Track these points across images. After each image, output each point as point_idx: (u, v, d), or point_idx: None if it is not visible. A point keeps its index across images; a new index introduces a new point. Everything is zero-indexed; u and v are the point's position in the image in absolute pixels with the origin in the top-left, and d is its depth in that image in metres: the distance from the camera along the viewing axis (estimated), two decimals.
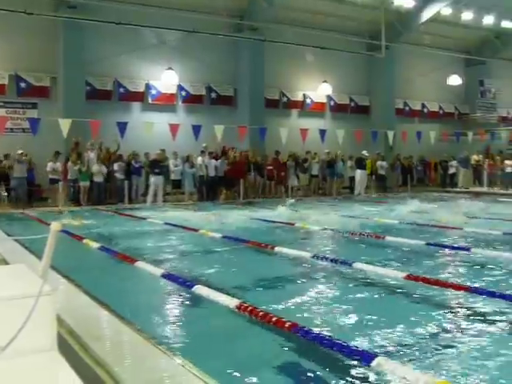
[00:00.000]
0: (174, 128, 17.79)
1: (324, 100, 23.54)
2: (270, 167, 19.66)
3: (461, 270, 7.01)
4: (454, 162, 24.66)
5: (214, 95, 21.24)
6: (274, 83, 21.97)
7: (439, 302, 5.40)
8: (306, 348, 4.06)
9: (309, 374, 3.63)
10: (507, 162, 23.75)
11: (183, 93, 20.59)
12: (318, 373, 3.64)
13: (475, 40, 27.45)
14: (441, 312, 5.05)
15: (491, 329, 4.55)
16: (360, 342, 4.14)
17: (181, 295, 5.65)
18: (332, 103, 23.78)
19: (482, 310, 5.09)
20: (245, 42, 21.04)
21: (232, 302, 4.95)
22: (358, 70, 24.56)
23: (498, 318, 4.84)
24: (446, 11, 23.54)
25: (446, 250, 8.29)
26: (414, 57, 25.44)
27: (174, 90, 20.40)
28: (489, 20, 24.72)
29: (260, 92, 21.43)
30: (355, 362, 3.64)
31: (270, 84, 21.77)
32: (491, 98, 27.85)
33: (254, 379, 3.54)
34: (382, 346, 4.10)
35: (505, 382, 3.50)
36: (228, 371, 3.59)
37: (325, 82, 22.71)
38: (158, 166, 17.25)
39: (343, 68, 23.69)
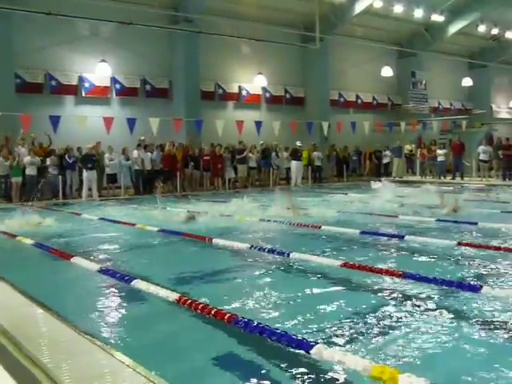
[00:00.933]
0: (108, 121, 17.73)
1: (259, 92, 23.85)
2: (207, 159, 19.75)
3: (395, 256, 7.30)
4: (388, 152, 25.49)
5: (148, 88, 21.21)
6: (209, 75, 22.11)
7: (375, 288, 5.60)
8: (246, 339, 4.12)
9: (250, 365, 3.74)
10: (439, 151, 24.71)
11: (117, 86, 20.47)
12: (259, 363, 3.76)
13: (406, 33, 28.37)
14: (376, 298, 5.25)
15: (424, 312, 4.77)
16: (299, 331, 4.23)
17: (119, 290, 5.66)
18: (267, 95, 24.12)
19: (416, 294, 5.32)
20: (180, 34, 21.09)
21: (172, 296, 4.95)
22: (293, 62, 25.00)
23: (429, 301, 5.08)
24: (378, 4, 24.21)
25: (382, 237, 8.55)
26: (347, 48, 26.10)
27: (107, 83, 20.24)
28: (419, 13, 25.55)
29: (195, 84, 21.53)
30: (295, 351, 3.70)
31: (206, 76, 21.90)
32: (422, 89, 28.84)
33: (196, 372, 3.64)
34: (321, 334, 4.24)
35: (439, 361, 3.77)
36: (169, 365, 3.64)
37: (260, 73, 23.02)
38: (90, 160, 17.02)
39: (278, 60, 24.07)
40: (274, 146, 21.69)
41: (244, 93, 23.47)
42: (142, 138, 18.58)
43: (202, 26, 21.15)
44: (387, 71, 26.98)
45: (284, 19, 23.65)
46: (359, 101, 27.23)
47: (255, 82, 23.35)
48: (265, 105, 24.17)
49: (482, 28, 28.43)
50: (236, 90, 23.32)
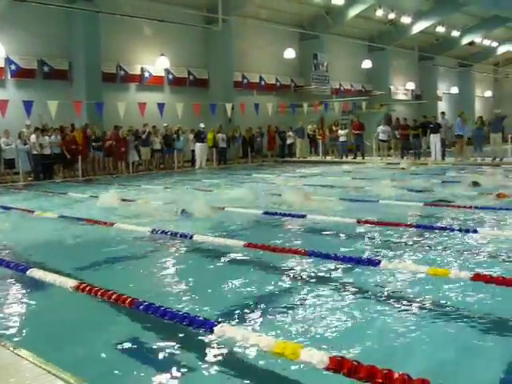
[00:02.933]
0: (2, 104, 17.28)
1: (162, 73, 23.85)
2: (110, 142, 19.61)
3: (299, 235, 7.70)
4: (291, 133, 26.27)
5: (46, 69, 20.71)
6: (110, 56, 21.87)
7: (279, 267, 5.85)
8: (148, 322, 4.21)
9: (153, 348, 3.84)
10: (340, 131, 25.72)
11: (12, 66, 19.84)
12: (162, 345, 3.86)
13: (308, 15, 29.17)
14: (281, 276, 5.49)
15: (327, 288, 5.06)
16: (204, 312, 4.36)
17: (15, 280, 5.57)
18: (170, 77, 24.17)
19: (319, 271, 5.62)
20: (79, 14, 20.68)
21: (70, 283, 4.78)
22: (196, 43, 25.16)
23: (332, 277, 5.42)
24: None
25: (285, 217, 8.86)
26: (251, 30, 26.54)
27: (1, 64, 19.57)
28: None
29: (96, 66, 21.25)
30: (198, 331, 3.76)
31: (107, 57, 21.65)
32: (324, 71, 29.75)
33: (102, 361, 3.68)
34: (226, 314, 4.40)
35: (341, 335, 4.02)
36: (74, 355, 3.68)
37: (163, 55, 23.02)
38: None
39: (181, 41, 24.14)
40: (178, 129, 21.85)
41: (146, 74, 23.41)
42: (28, 122, 18.09)
43: (102, 6, 20.87)
44: (290, 53, 27.65)
45: (187, 0, 23.67)
46: (262, 82, 27.78)
47: (158, 64, 23.33)
48: (168, 87, 24.22)
49: (379, 12, 29.70)
50: (138, 72, 23.20)
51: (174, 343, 3.89)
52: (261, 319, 4.35)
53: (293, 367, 3.30)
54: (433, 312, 4.47)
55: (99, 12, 20.84)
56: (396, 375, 2.76)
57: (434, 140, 22.56)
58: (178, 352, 3.79)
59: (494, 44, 39.86)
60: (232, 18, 24.88)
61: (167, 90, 24.23)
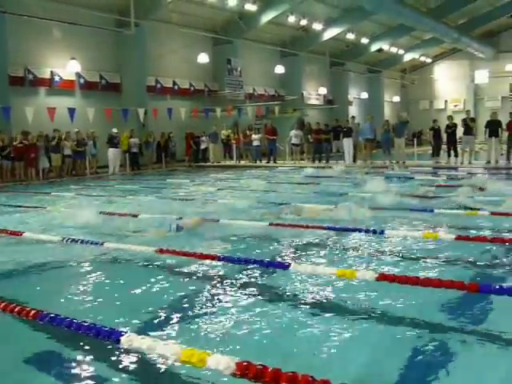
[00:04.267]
0: None
1: (73, 77, 23.48)
2: (19, 148, 19.13)
3: (212, 240, 7.71)
4: (205, 138, 26.54)
5: None
6: (18, 59, 21.31)
7: (191, 272, 6.03)
8: (54, 334, 4.19)
9: (60, 359, 3.86)
10: (254, 136, 26.24)
11: None
12: (68, 357, 3.88)
13: (221, 20, 29.53)
14: (192, 282, 5.67)
15: (239, 292, 5.23)
16: (111, 321, 4.33)
17: None
18: (82, 81, 23.84)
19: (230, 275, 5.81)
20: None
21: None
22: (108, 47, 24.96)
23: (243, 281, 5.58)
24: None
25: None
26: (164, 35, 26.59)
27: None
28: (233, 2, 26.64)
29: (3, 69, 20.64)
30: (104, 342, 3.75)
31: (14, 60, 21.08)
32: (238, 76, 30.20)
33: (7, 377, 3.65)
34: (135, 322, 4.47)
35: (250, 338, 4.13)
36: None
37: (73, 58, 22.68)
38: None
39: (93, 45, 23.88)
40: (89, 134, 21.64)
41: (57, 78, 22.97)
42: None
43: (8, 6, 20.36)
44: (203, 58, 27.91)
45: (98, 3, 23.51)
46: (176, 87, 27.86)
47: (68, 67, 22.95)
48: (79, 91, 23.88)
49: (291, 19, 30.46)
50: (48, 76, 22.72)
51: (81, 355, 3.89)
52: (172, 327, 4.43)
53: (211, 374, 3.35)
54: (342, 312, 4.76)
55: (5, 12, 20.31)
56: (300, 377, 3.07)
57: (347, 144, 23.48)
58: (85, 364, 3.77)
59: (401, 51, 41.73)
60: (144, 22, 24.87)
61: (78, 95, 23.89)
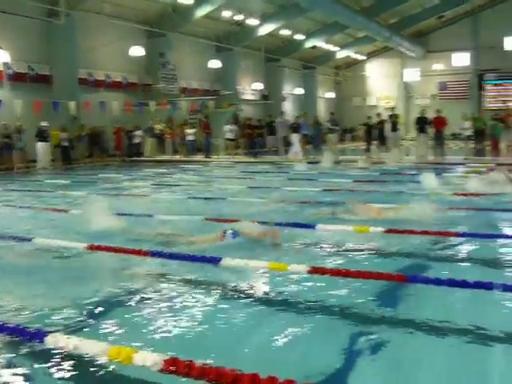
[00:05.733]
0: None
1: (1, 68, 22.63)
2: None
3: (146, 235, 7.70)
4: (139, 132, 26.21)
5: None
6: None
7: (121, 268, 5.92)
8: None
9: None
10: (188, 130, 26.12)
11: None
12: None
13: (155, 13, 29.18)
14: (123, 278, 5.52)
15: (171, 288, 5.20)
16: (35, 321, 4.24)
17: None
18: (10, 72, 23.02)
19: (162, 271, 5.79)
20: None
21: None
22: (37, 37, 24.22)
23: (176, 277, 5.57)
24: None
25: (132, 217, 8.91)
26: (96, 26, 26.03)
27: None
28: None
29: None
30: (29, 343, 3.70)
31: None
32: (172, 70, 29.90)
33: None
34: (61, 322, 4.31)
35: (177, 333, 4.11)
36: None
37: (0, 48, 21.85)
38: None
39: (22, 34, 23.12)
40: (17, 127, 20.97)
41: None
42: None
43: None
44: (137, 51, 27.52)
45: None
46: (109, 80, 27.34)
47: None
48: (7, 82, 23.04)
49: (227, 13, 30.45)
50: None
51: (3, 357, 3.72)
52: (99, 325, 4.31)
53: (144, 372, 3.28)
54: (274, 305, 4.79)
55: None
56: (227, 371, 3.09)
57: (296, 139, 23.68)
58: (9, 365, 3.62)
59: (335, 49, 42.40)
60: (75, 13, 24.29)
61: (7, 86, 23.06)
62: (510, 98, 42.17)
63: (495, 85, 43.65)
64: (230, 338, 4.12)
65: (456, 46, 43.81)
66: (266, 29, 33.67)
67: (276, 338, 4.11)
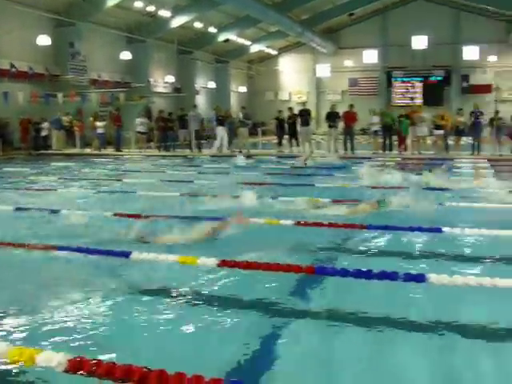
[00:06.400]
0: None
1: None
2: None
3: (52, 230, 7.56)
4: (46, 124, 25.34)
5: None
6: None
7: (25, 264, 5.85)
8: None
9: None
10: (98, 123, 25.49)
11: None
12: None
13: (64, 1, 28.17)
14: (26, 275, 5.46)
15: (81, 285, 5.12)
16: None
17: None
18: None
19: (66, 266, 5.74)
20: None
21: None
22: None
23: (82, 272, 5.48)
24: None
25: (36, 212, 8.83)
26: (0, 12, 24.81)
27: None
28: None
29: None
30: None
31: None
32: (82, 61, 29.07)
33: None
34: None
35: (80, 332, 4.05)
36: None
37: None
38: None
39: None
40: None
41: None
42: None
43: None
44: (44, 40, 26.50)
45: None
46: (14, 69, 26.21)
47: None
48: None
49: (138, 4, 29.95)
50: None
51: None
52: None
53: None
54: (184, 299, 4.83)
55: None
56: (134, 368, 3.06)
57: (221, 132, 23.55)
58: None
59: (248, 43, 42.58)
60: None
61: None
62: (417, 95, 43.96)
63: (403, 82, 45.25)
64: (137, 334, 4.13)
65: (366, 43, 45.16)
66: (178, 21, 33.35)
67: (184, 332, 4.13)
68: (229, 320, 4.43)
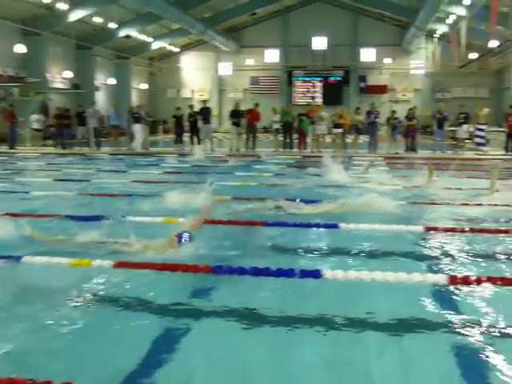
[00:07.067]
0: None
1: None
2: None
3: None
4: None
5: None
6: None
7: None
8: None
9: None
10: None
11: None
12: None
13: None
14: None
15: None
16: None
17: None
18: None
19: None
20: None
21: None
22: None
23: None
24: None
25: None
26: None
27: None
28: None
29: None
30: None
31: None
32: None
33: None
34: None
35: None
36: None
37: None
38: None
39: None
40: None
41: None
42: None
43: None
44: None
45: None
46: None
47: None
48: None
49: None
50: None
51: None
52: None
53: None
54: (79, 302, 4.68)
55: None
56: (18, 380, 2.89)
57: (138, 129, 23.02)
58: None
59: (149, 39, 41.93)
60: None
61: None
62: (317, 94, 45.01)
63: (304, 81, 46.17)
64: (22, 340, 3.89)
65: (268, 42, 45.79)
66: (77, 14, 32.26)
67: (78, 337, 3.98)
68: (122, 322, 4.33)
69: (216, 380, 3.51)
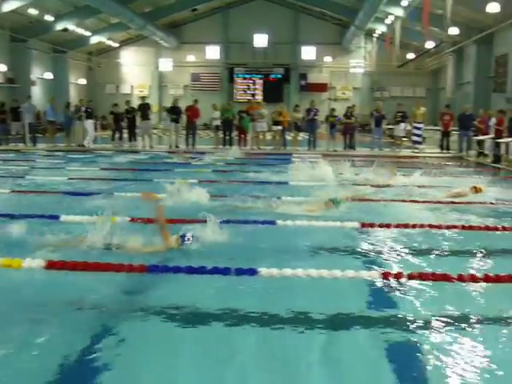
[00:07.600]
0: None
1: None
2: None
3: None
4: None
5: None
6: None
7: None
8: None
9: None
10: None
11: None
12: None
13: None
14: None
15: None
16: None
17: None
18: None
19: None
20: None
21: None
22: None
23: None
24: None
25: None
26: None
27: None
28: None
29: None
30: None
31: None
32: None
33: None
34: None
35: None
36: None
37: None
38: None
39: None
40: None
41: None
42: None
43: None
44: None
45: None
46: None
47: None
48: None
49: None
50: None
51: None
52: None
53: None
54: (5, 306, 4.55)
55: None
56: None
57: (90, 125, 22.73)
58: None
59: (88, 33, 41.10)
60: None
61: None
62: (258, 92, 45.17)
63: (245, 78, 46.23)
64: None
65: (209, 39, 45.58)
66: (10, 5, 31.22)
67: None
68: (54, 323, 4.23)
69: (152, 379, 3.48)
